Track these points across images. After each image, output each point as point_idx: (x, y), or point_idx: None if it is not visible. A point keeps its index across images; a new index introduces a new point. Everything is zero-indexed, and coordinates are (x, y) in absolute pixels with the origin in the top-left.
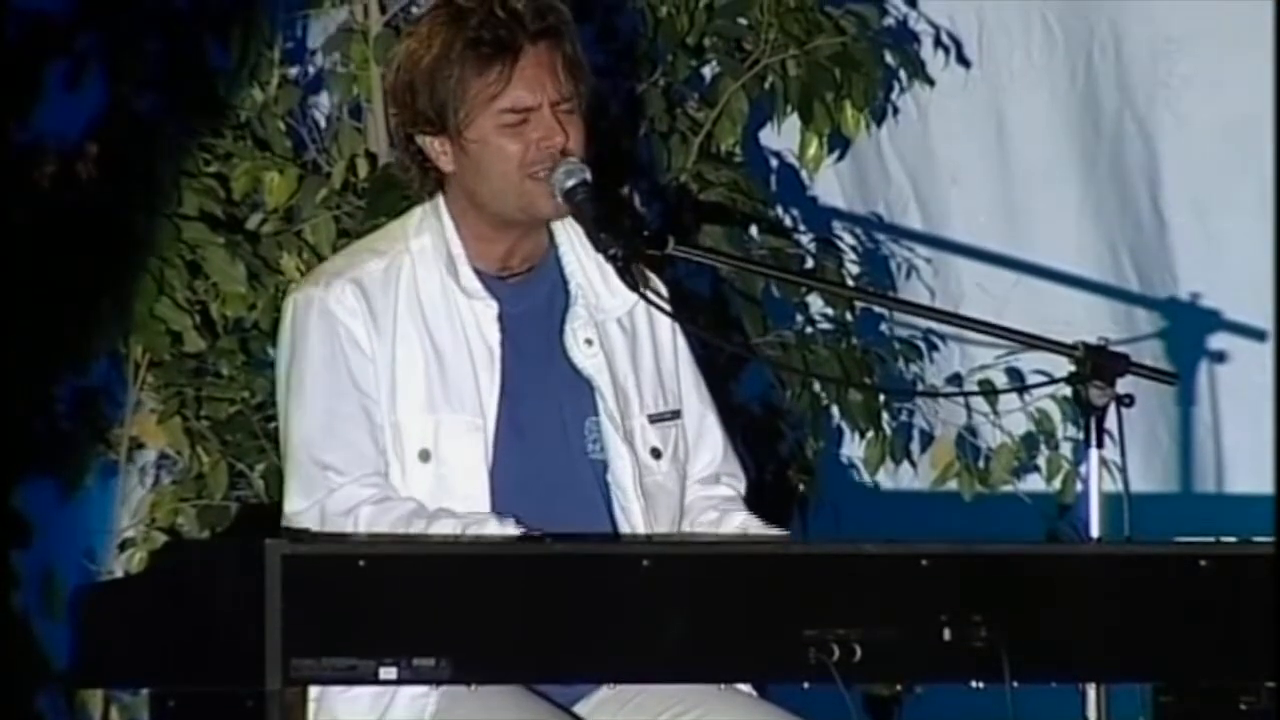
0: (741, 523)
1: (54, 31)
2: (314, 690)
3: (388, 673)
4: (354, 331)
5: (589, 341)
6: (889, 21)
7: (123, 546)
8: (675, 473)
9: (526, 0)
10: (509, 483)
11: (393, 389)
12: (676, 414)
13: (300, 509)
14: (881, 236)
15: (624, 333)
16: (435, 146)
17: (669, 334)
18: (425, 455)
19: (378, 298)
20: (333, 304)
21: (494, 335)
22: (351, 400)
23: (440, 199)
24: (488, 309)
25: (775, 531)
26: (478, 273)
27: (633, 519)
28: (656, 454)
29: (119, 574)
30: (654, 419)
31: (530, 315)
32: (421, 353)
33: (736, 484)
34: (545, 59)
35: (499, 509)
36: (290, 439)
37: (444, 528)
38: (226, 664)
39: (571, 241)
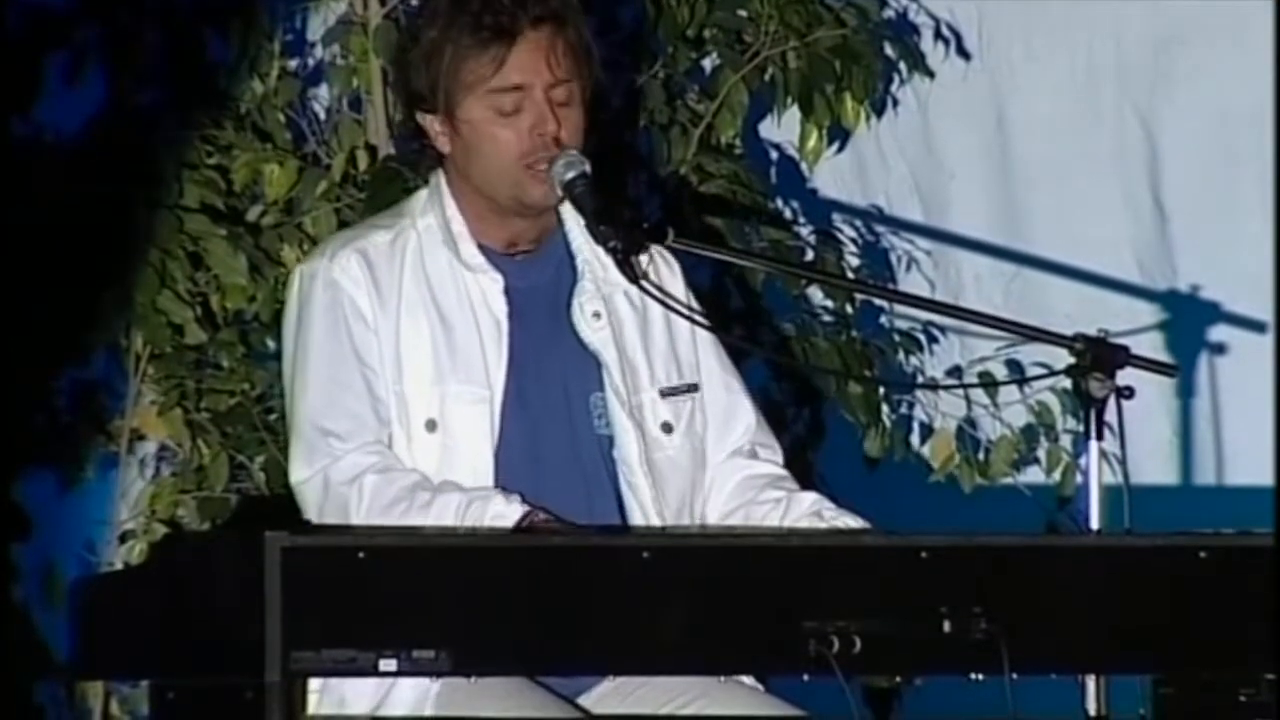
0: (813, 504)
1: (54, 24)
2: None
3: (387, 665)
4: (358, 302)
5: (596, 315)
6: (889, 14)
7: (123, 538)
8: (689, 447)
9: None
10: (514, 455)
11: (398, 360)
12: (692, 388)
13: (304, 477)
14: (881, 229)
15: (633, 308)
16: (434, 126)
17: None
18: (431, 425)
19: (382, 268)
20: (337, 274)
21: (501, 308)
22: (354, 370)
23: (442, 179)
24: (494, 282)
25: (850, 519)
26: (484, 249)
27: (639, 494)
28: (668, 429)
29: (119, 566)
30: (666, 393)
31: (537, 290)
32: (428, 324)
33: (775, 456)
34: (543, 44)
35: (504, 481)
36: (294, 408)
37: (449, 501)
38: (226, 656)
39: (578, 219)
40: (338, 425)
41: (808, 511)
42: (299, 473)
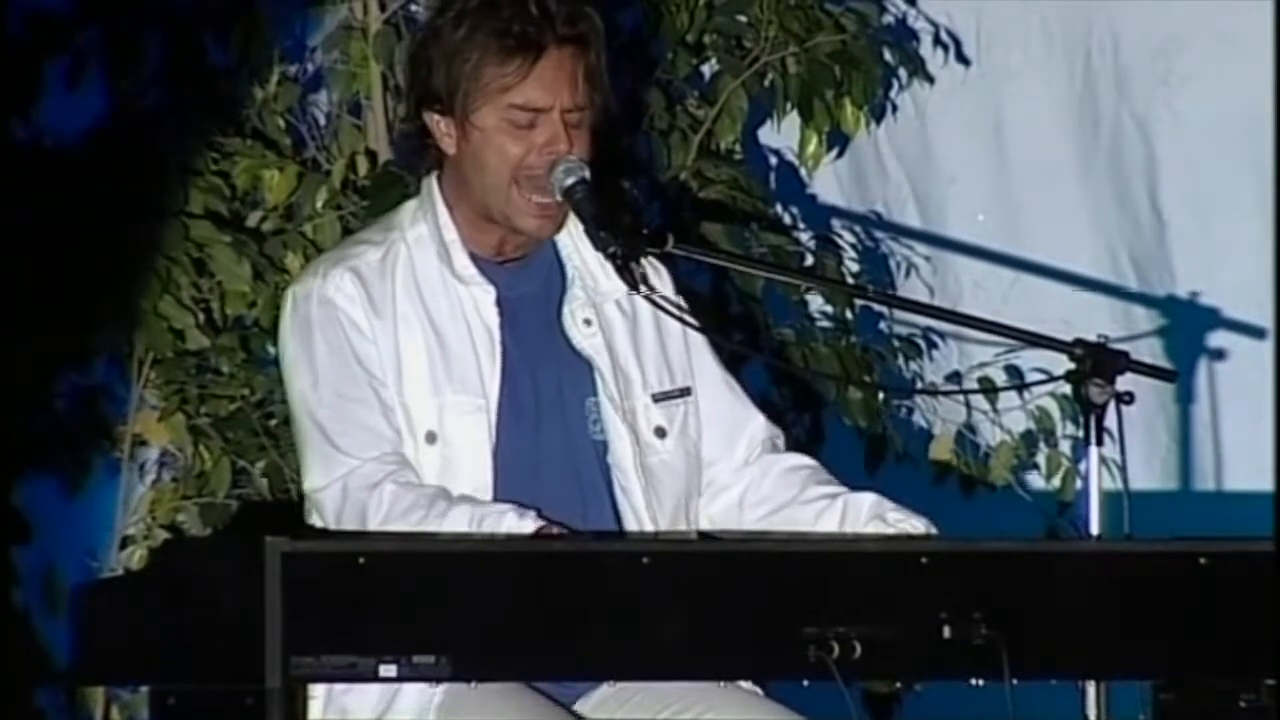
0: (873, 506)
1: (54, 28)
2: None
3: (388, 670)
4: (355, 318)
5: (588, 322)
6: (888, 19)
7: (124, 544)
8: (683, 450)
9: (561, 2)
10: (512, 464)
11: (399, 373)
12: (685, 392)
13: (321, 485)
14: (880, 234)
15: (623, 314)
16: (440, 126)
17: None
18: (431, 437)
19: (375, 285)
20: (331, 292)
21: (493, 318)
22: (362, 384)
23: (434, 186)
24: (485, 293)
25: (916, 520)
26: (474, 258)
27: (633, 499)
28: (661, 433)
29: (120, 571)
30: (658, 398)
31: (528, 298)
32: (423, 337)
33: (783, 443)
34: (567, 64)
35: (503, 490)
36: (304, 425)
37: (462, 511)
38: (226, 661)
39: (567, 226)
40: (354, 439)
41: (869, 516)
42: (315, 480)
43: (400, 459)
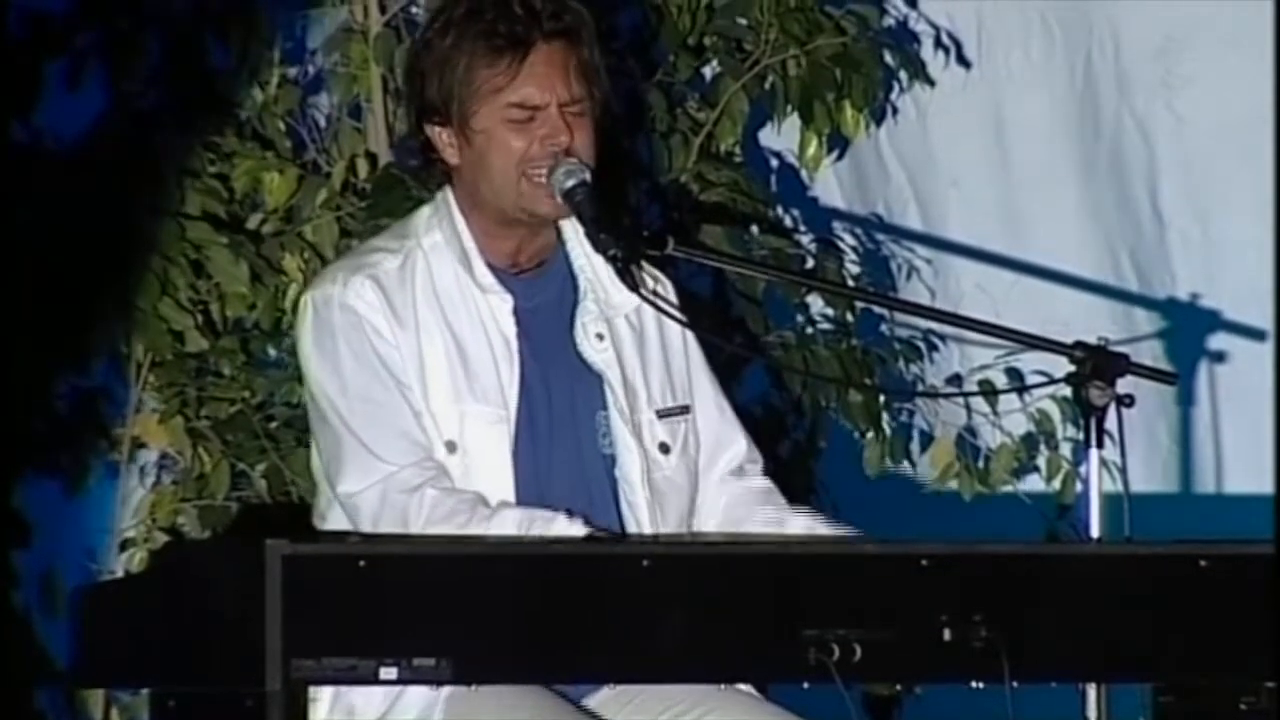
0: (807, 525)
1: (54, 30)
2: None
3: (388, 673)
4: (377, 325)
5: (600, 336)
6: (889, 22)
7: (124, 546)
8: (684, 468)
9: None
10: (529, 475)
11: (422, 381)
12: (685, 409)
13: (358, 489)
14: (881, 237)
15: (632, 329)
16: (442, 138)
17: (678, 330)
18: (452, 446)
19: (396, 293)
20: (352, 299)
21: (510, 328)
22: (390, 389)
23: (450, 196)
24: (503, 302)
25: (844, 531)
26: (491, 268)
27: (639, 514)
28: (665, 449)
29: (120, 574)
30: (662, 414)
31: (543, 310)
32: (444, 345)
33: (759, 468)
34: (558, 58)
35: (519, 501)
36: (335, 432)
37: (509, 516)
38: (227, 664)
39: (579, 239)
40: (389, 445)
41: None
42: (350, 485)
43: (437, 465)
